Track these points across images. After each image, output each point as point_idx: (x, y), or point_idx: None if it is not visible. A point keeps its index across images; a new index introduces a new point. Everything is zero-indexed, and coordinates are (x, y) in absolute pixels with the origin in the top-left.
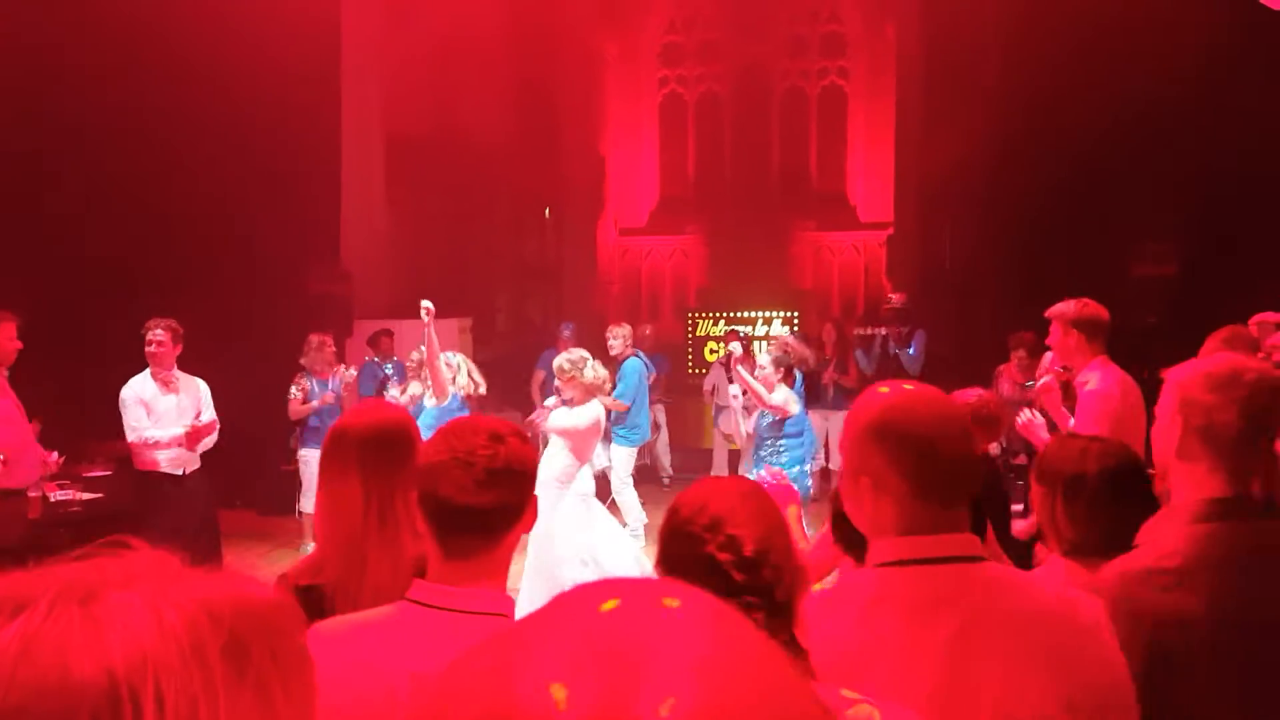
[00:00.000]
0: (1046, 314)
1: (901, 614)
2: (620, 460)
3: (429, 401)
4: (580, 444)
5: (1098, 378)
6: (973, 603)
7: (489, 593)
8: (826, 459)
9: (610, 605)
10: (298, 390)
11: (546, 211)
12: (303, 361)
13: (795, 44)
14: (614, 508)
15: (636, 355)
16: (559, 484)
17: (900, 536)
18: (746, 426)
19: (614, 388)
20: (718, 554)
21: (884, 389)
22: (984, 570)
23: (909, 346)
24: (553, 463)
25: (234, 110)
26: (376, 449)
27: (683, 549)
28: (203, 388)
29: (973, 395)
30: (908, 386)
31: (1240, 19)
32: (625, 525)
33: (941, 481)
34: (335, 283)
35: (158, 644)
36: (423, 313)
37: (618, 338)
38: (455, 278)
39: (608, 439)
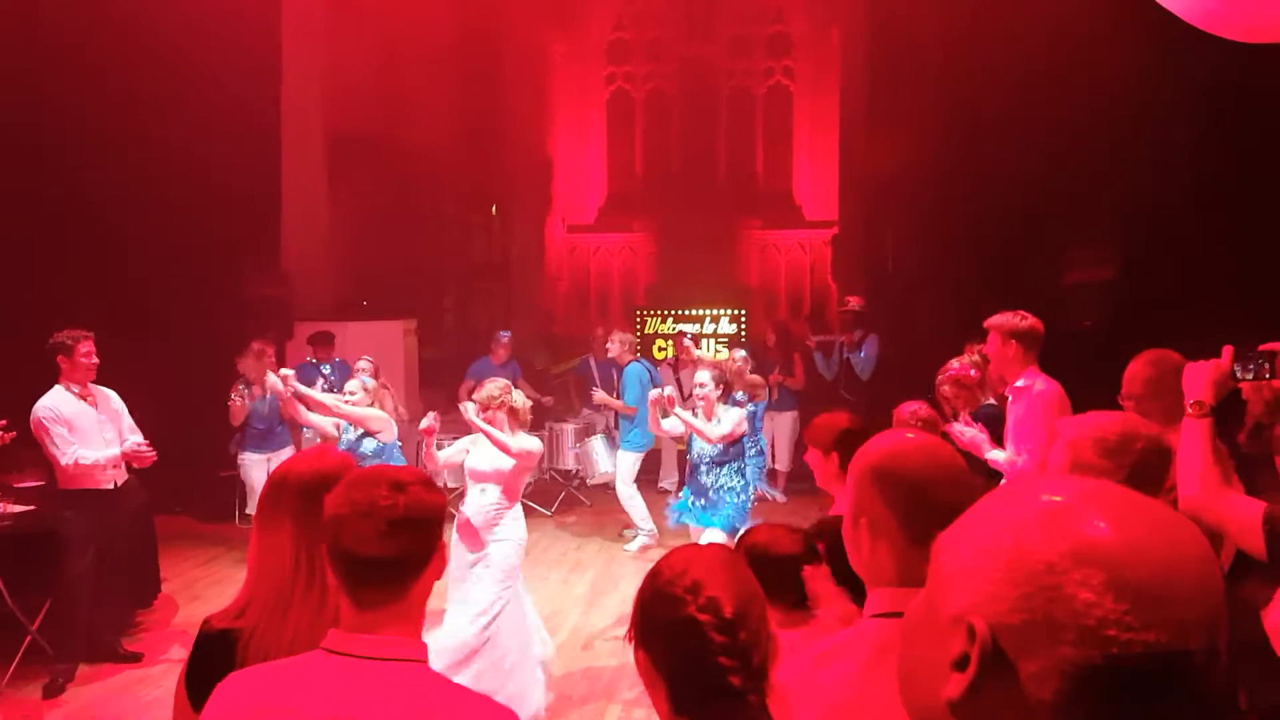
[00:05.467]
0: (985, 324)
1: None
2: (625, 465)
3: (368, 444)
4: (515, 478)
5: (1041, 382)
6: None
7: (402, 639)
8: (772, 459)
9: None
10: (237, 396)
11: (493, 209)
12: (239, 367)
13: (741, 43)
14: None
15: (639, 361)
16: (487, 530)
17: (900, 588)
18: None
19: (618, 394)
20: (698, 615)
21: (886, 435)
22: None
23: (860, 350)
24: (478, 507)
25: (171, 108)
26: (310, 498)
27: (664, 610)
28: (116, 399)
29: (915, 406)
30: (909, 435)
31: (1181, 27)
32: (637, 529)
33: (935, 528)
34: (273, 286)
35: None
36: (278, 382)
37: (618, 343)
38: (400, 278)
39: (614, 445)
